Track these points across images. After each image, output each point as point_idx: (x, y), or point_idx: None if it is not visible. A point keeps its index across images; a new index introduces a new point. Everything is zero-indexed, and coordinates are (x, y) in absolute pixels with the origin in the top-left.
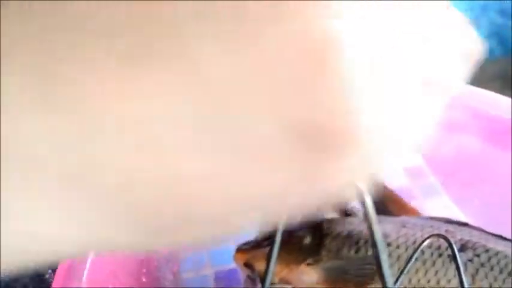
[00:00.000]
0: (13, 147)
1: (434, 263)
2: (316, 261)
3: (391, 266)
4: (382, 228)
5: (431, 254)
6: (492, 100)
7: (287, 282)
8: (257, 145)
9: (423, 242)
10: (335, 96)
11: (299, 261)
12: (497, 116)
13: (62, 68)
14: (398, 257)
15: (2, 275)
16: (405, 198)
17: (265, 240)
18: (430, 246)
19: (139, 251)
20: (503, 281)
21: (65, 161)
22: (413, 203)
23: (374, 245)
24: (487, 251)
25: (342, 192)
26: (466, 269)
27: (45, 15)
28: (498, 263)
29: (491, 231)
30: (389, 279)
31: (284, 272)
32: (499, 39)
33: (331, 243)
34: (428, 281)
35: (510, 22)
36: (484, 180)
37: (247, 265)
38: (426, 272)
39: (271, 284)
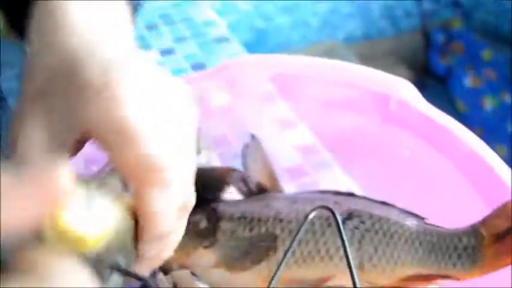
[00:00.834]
0: None
1: (323, 233)
2: (212, 244)
3: (283, 241)
4: (274, 205)
5: (321, 224)
6: (384, 79)
7: (186, 267)
8: None
9: (309, 213)
10: None
11: (196, 245)
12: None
13: None
14: (290, 232)
15: None
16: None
17: None
18: (319, 217)
19: None
20: (387, 243)
21: None
22: (306, 179)
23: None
24: (371, 217)
25: None
26: (353, 235)
27: None
28: (381, 227)
29: (377, 199)
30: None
31: (182, 258)
32: (391, 20)
33: (226, 225)
34: (319, 251)
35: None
36: (373, 154)
37: None
38: (316, 242)
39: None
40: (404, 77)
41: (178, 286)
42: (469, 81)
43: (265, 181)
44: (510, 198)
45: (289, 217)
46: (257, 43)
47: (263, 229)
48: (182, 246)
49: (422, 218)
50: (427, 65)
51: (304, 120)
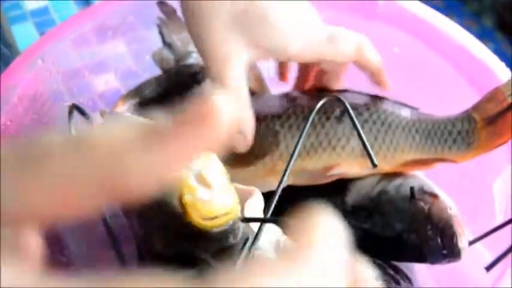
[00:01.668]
0: None
1: (323, 126)
2: None
3: (284, 135)
4: (271, 103)
5: (319, 118)
6: None
7: None
8: None
9: (319, 103)
10: None
11: None
12: None
13: None
14: (290, 127)
15: None
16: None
17: None
18: (317, 111)
19: None
20: (385, 132)
21: None
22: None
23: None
24: (368, 109)
25: None
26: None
27: None
28: (379, 117)
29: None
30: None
31: None
32: None
33: None
34: (320, 143)
35: None
36: None
37: None
38: (317, 135)
39: None
40: None
41: None
42: None
43: (253, 85)
44: (498, 84)
45: (287, 113)
46: None
47: (263, 125)
48: None
49: (416, 109)
50: None
51: None
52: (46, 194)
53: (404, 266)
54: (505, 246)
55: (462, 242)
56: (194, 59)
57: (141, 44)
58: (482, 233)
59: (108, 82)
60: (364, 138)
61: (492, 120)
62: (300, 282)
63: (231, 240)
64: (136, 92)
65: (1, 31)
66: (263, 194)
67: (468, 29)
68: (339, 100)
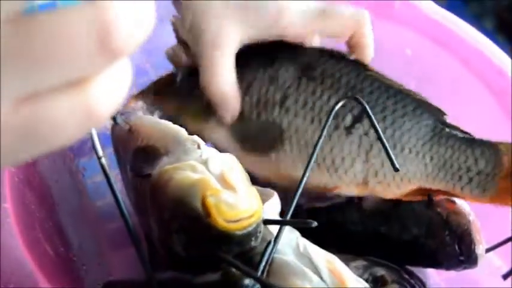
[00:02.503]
0: None
1: (330, 137)
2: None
3: (290, 137)
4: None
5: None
6: None
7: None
8: None
9: (334, 106)
10: None
11: (207, 118)
12: None
13: None
14: (297, 129)
15: None
16: None
17: None
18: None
19: None
20: (396, 156)
21: None
22: None
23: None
24: (384, 119)
25: None
26: (360, 144)
27: None
28: (393, 135)
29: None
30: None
31: (194, 127)
32: None
33: None
34: (324, 160)
35: None
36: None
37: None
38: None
39: None
40: None
41: None
42: None
43: None
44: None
45: (296, 108)
46: None
47: (270, 118)
48: (194, 115)
49: (443, 114)
50: None
51: None
52: None
53: (417, 270)
54: None
55: (480, 249)
56: None
57: (152, 41)
58: (492, 240)
59: None
60: (385, 142)
61: None
62: None
63: (253, 243)
64: (149, 90)
65: None
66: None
67: None
68: (357, 101)
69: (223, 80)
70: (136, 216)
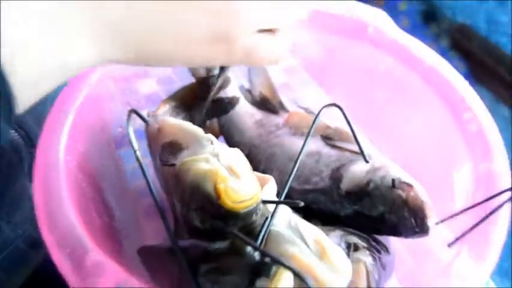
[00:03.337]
0: None
1: None
2: None
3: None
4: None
5: None
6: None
7: None
8: None
9: (321, 109)
10: None
11: None
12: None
13: None
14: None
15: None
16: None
17: None
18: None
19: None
20: None
21: None
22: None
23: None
24: None
25: None
26: None
27: None
28: None
29: None
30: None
31: None
32: None
33: None
34: None
35: None
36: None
37: None
38: None
39: None
40: None
41: None
42: None
43: (265, 92)
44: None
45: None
46: None
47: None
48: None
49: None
50: None
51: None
52: None
53: (383, 238)
54: (463, 228)
55: (430, 222)
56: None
57: None
58: (441, 214)
59: (151, 87)
60: (359, 139)
61: None
62: None
63: (254, 218)
64: (175, 96)
65: None
66: None
67: None
68: (338, 107)
69: None
70: (164, 195)
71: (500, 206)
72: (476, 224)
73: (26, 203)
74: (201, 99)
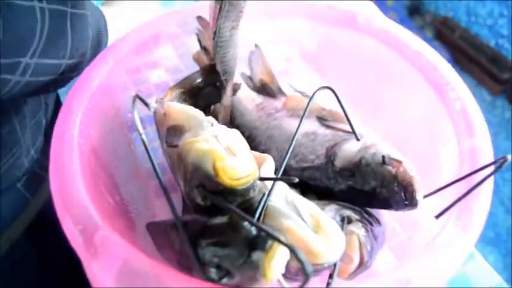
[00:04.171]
0: None
1: None
2: None
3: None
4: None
5: None
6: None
7: None
8: None
9: (315, 92)
10: None
11: None
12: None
13: None
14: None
15: None
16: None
17: None
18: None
19: None
20: None
21: None
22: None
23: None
24: None
25: None
26: None
27: None
28: None
29: None
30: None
31: None
32: None
33: None
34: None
35: None
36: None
37: None
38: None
39: None
40: None
41: None
42: None
43: (265, 78)
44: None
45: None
46: None
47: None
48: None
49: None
50: None
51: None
52: None
53: (375, 211)
54: (449, 200)
55: (419, 196)
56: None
57: (184, 48)
58: (429, 188)
59: (160, 76)
60: (351, 119)
61: None
62: None
63: (251, 194)
64: (181, 84)
65: None
66: None
67: None
68: (329, 89)
69: None
70: (171, 174)
71: (484, 179)
72: (462, 197)
73: (42, 132)
74: (206, 86)
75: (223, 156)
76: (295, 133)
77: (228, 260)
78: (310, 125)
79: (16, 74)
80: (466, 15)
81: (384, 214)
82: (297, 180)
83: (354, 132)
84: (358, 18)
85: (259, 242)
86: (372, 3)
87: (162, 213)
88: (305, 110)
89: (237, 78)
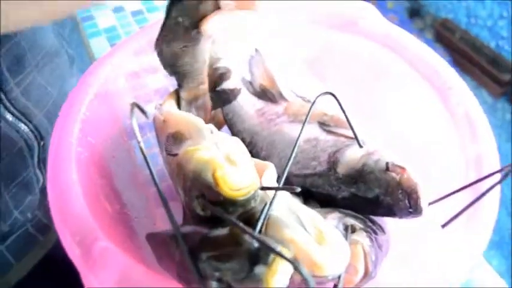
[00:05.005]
0: None
1: None
2: None
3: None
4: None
5: None
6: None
7: None
8: None
9: (317, 98)
10: None
11: None
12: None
13: None
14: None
15: None
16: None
17: None
18: None
19: None
20: None
21: None
22: (289, 84)
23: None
24: None
25: None
26: None
27: None
28: None
29: None
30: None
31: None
32: None
33: None
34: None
35: None
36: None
37: None
38: None
39: None
40: None
41: None
42: None
43: (265, 83)
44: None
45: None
46: None
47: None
48: None
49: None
50: None
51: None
52: None
53: (379, 219)
54: (454, 208)
55: (424, 203)
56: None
57: None
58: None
59: (159, 81)
60: (353, 125)
61: None
62: None
63: (252, 204)
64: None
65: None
66: None
67: None
68: (333, 95)
69: None
70: (171, 181)
71: (491, 188)
72: (469, 205)
73: (35, 190)
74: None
75: (223, 165)
76: (297, 139)
77: (230, 273)
78: (311, 131)
79: None
80: (466, 16)
81: (388, 222)
82: (299, 189)
83: (356, 138)
84: (359, 21)
85: (262, 255)
86: (372, 6)
87: (163, 221)
88: (307, 116)
89: (237, 83)
